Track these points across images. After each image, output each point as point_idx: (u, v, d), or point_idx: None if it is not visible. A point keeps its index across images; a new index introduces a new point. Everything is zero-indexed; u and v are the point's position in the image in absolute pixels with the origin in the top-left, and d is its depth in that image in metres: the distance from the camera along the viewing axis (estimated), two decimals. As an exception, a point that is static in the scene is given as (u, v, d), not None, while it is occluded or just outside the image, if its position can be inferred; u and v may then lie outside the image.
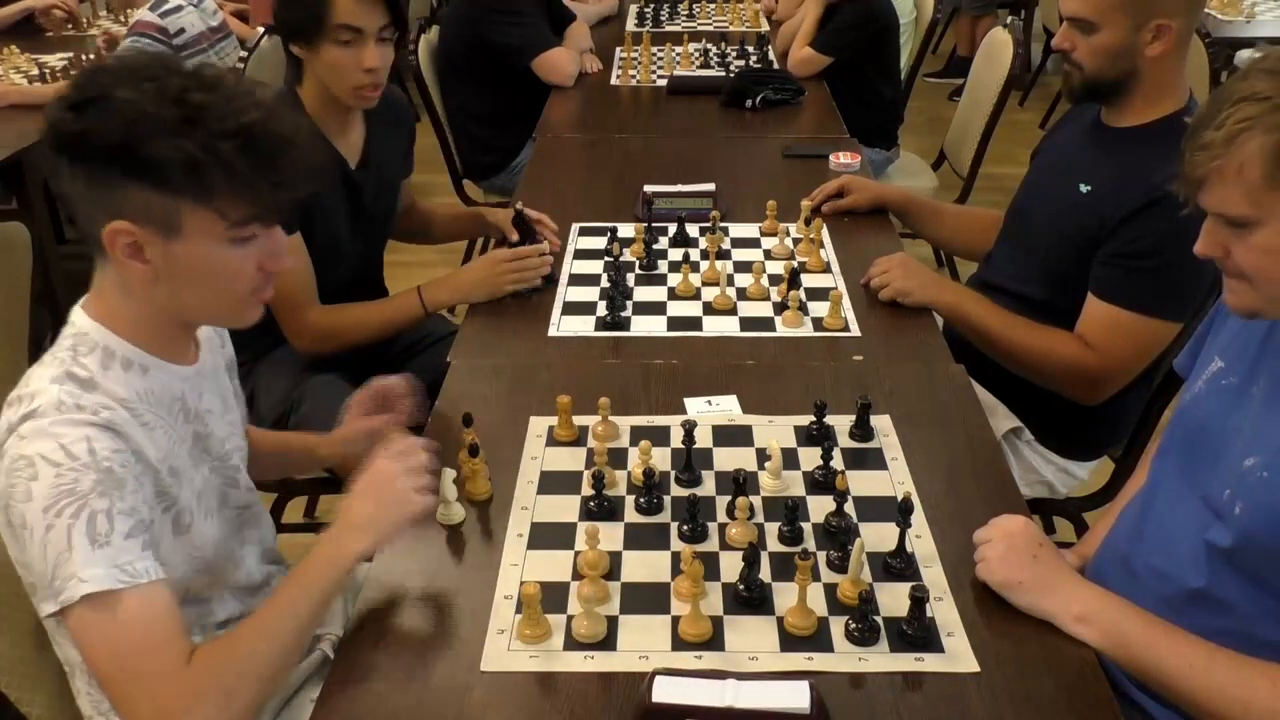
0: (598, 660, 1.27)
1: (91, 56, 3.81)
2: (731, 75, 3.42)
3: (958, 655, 1.27)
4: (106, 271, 1.26)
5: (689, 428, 1.59)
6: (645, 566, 1.42)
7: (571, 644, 1.30)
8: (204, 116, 1.15)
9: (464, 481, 1.55)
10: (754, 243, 2.36)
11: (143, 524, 1.19)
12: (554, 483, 1.58)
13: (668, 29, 4.24)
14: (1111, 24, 1.82)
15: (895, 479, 1.58)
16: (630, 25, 4.30)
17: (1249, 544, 1.26)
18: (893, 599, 1.34)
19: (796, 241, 2.33)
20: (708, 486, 1.57)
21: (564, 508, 1.53)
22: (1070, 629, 1.29)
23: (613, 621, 1.33)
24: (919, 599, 1.28)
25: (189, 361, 1.36)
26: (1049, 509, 2.24)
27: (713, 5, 4.66)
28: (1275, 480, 1.23)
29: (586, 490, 1.55)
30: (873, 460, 1.62)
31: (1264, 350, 1.33)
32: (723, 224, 2.37)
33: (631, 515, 1.52)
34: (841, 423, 1.68)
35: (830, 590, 1.37)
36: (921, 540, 1.45)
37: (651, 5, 4.51)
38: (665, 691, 1.15)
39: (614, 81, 3.62)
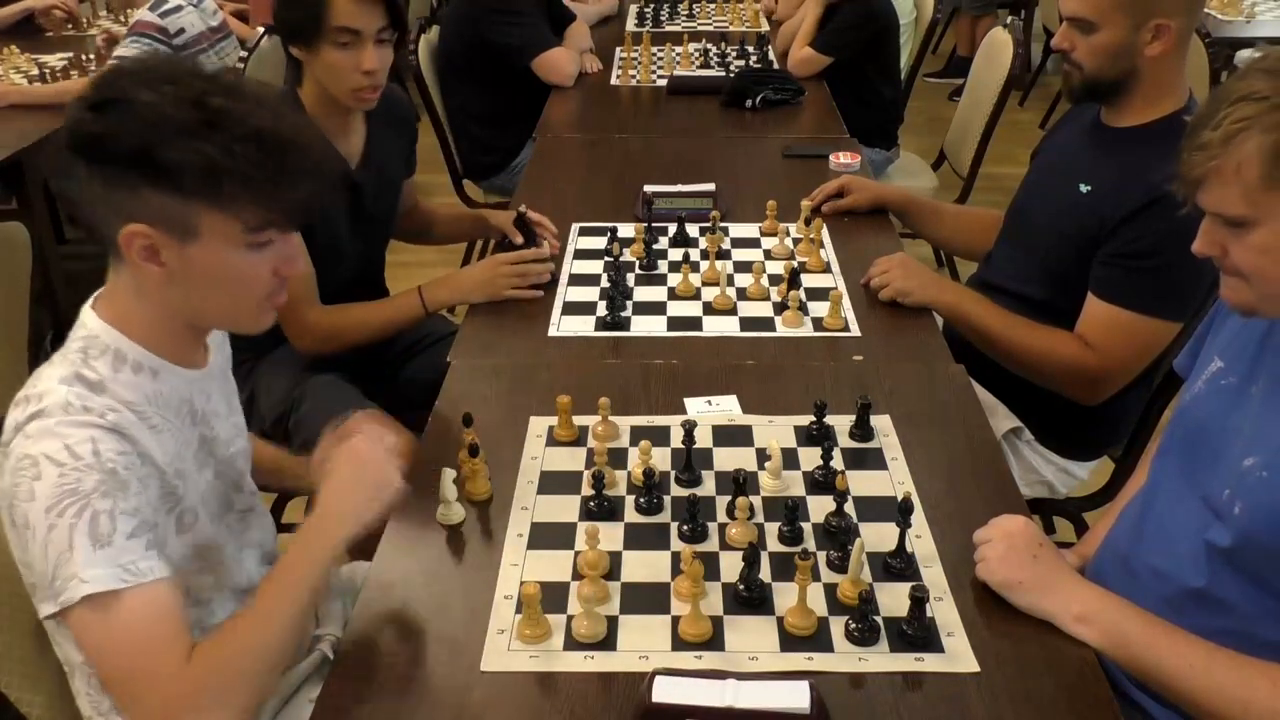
0: (598, 660, 1.28)
1: (91, 56, 3.81)
2: (731, 75, 3.42)
3: (958, 655, 1.27)
4: (120, 274, 1.25)
5: (689, 428, 1.59)
6: (645, 566, 1.42)
7: (571, 644, 1.30)
8: (223, 121, 1.15)
9: (464, 481, 1.55)
10: (754, 243, 2.36)
11: (146, 524, 1.19)
12: (554, 483, 1.58)
13: (668, 29, 4.24)
14: (1111, 24, 1.82)
15: (895, 479, 1.58)
16: (630, 25, 4.30)
17: (1248, 544, 1.26)
18: (893, 599, 1.34)
19: (796, 241, 2.33)
20: (708, 486, 1.57)
21: (564, 508, 1.53)
22: (1070, 629, 1.29)
23: (613, 621, 1.33)
24: (919, 599, 1.28)
25: (199, 365, 1.35)
26: (1049, 509, 2.24)
27: (713, 5, 4.66)
28: (1275, 480, 1.23)
29: (586, 490, 1.55)
30: (873, 460, 1.62)
31: (1263, 350, 1.33)
32: (723, 224, 2.38)
33: (631, 515, 1.52)
34: (841, 423, 1.68)
35: (830, 590, 1.37)
36: (921, 540, 1.45)
37: (651, 5, 4.51)
38: (665, 691, 1.15)
39: (614, 81, 3.62)
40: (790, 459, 1.62)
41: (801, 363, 1.90)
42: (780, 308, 2.05)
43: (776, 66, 3.69)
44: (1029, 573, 1.33)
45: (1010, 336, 1.98)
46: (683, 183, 2.54)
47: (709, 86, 3.38)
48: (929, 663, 1.26)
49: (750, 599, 1.35)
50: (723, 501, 1.53)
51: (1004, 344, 1.99)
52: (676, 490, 1.56)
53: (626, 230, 2.36)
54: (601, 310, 2.06)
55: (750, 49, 3.82)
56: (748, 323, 2.03)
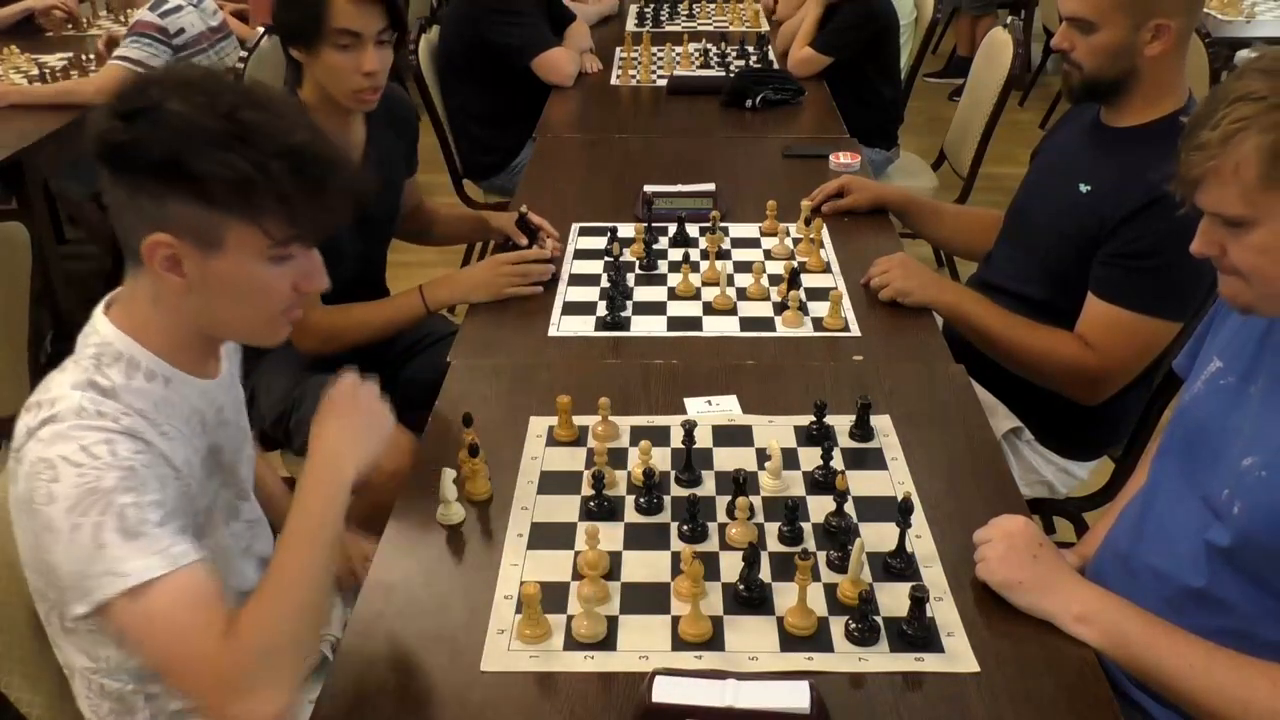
0: (598, 660, 1.28)
1: (91, 56, 3.81)
2: (731, 75, 3.42)
3: (958, 655, 1.27)
4: (139, 281, 1.25)
5: (689, 428, 1.59)
6: (645, 566, 1.42)
7: (571, 644, 1.30)
8: (254, 134, 1.14)
9: (464, 481, 1.55)
10: (754, 243, 2.36)
11: (171, 514, 1.18)
12: (554, 483, 1.58)
13: (668, 29, 4.24)
14: (1111, 24, 1.82)
15: (895, 479, 1.58)
16: (630, 25, 4.30)
17: (1248, 543, 1.26)
18: (893, 599, 1.34)
19: (796, 241, 2.33)
20: (708, 486, 1.57)
21: (564, 508, 1.53)
22: (1070, 629, 1.29)
23: (613, 621, 1.33)
24: (919, 599, 1.28)
25: (211, 375, 1.35)
26: (1049, 509, 2.24)
27: (713, 5, 4.66)
28: (1274, 479, 1.23)
29: (586, 490, 1.55)
30: (873, 460, 1.62)
31: (1262, 350, 1.33)
32: (723, 224, 2.38)
33: (631, 515, 1.52)
34: (841, 423, 1.68)
35: (830, 590, 1.37)
36: (921, 540, 1.45)
37: (651, 5, 4.51)
38: (665, 691, 1.15)
39: (614, 81, 3.62)
40: (790, 459, 1.62)
41: (801, 363, 1.90)
42: (780, 308, 2.05)
43: (776, 66, 3.69)
44: (1029, 573, 1.33)
45: (1010, 336, 1.98)
46: (683, 183, 2.54)
47: (709, 86, 3.38)
48: (929, 663, 1.26)
49: (750, 599, 1.35)
50: (723, 501, 1.53)
51: (1004, 344, 1.99)
52: (676, 490, 1.56)
53: (626, 230, 2.36)
54: (601, 310, 2.06)
55: (750, 49, 3.82)
56: (748, 323, 2.03)
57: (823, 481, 1.56)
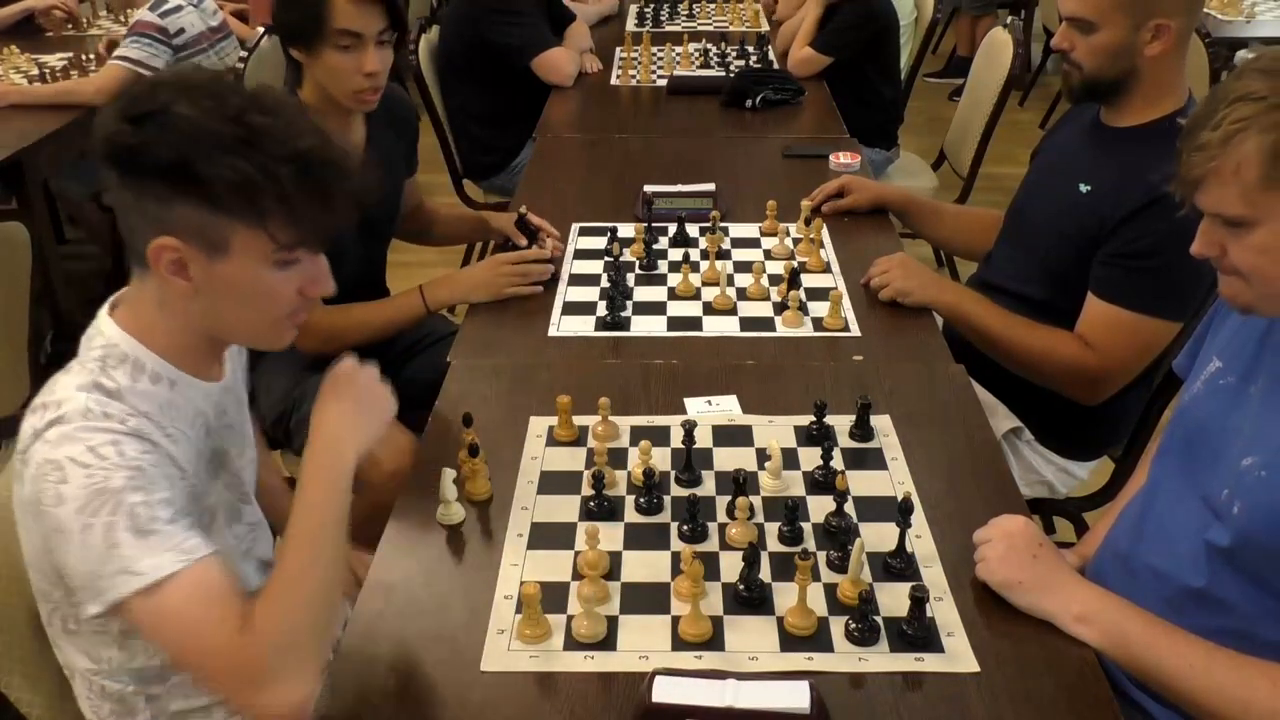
0: (598, 660, 1.28)
1: (91, 56, 3.81)
2: (731, 75, 3.42)
3: (958, 655, 1.27)
4: (145, 283, 1.24)
5: (689, 428, 1.59)
6: (645, 566, 1.42)
7: (571, 644, 1.30)
8: (261, 139, 1.14)
9: (464, 481, 1.55)
10: (754, 243, 2.36)
11: (182, 510, 1.18)
12: (554, 483, 1.58)
13: (668, 29, 4.24)
14: (1110, 24, 1.82)
15: (895, 479, 1.58)
16: (630, 25, 4.30)
17: (1247, 543, 1.26)
18: (893, 599, 1.34)
19: (796, 241, 2.33)
20: (708, 486, 1.57)
21: (564, 508, 1.53)
22: (1070, 629, 1.29)
23: (613, 621, 1.33)
24: (919, 599, 1.28)
25: (215, 378, 1.35)
26: (1049, 509, 2.24)
27: (713, 5, 4.66)
28: (1273, 479, 1.23)
29: (586, 490, 1.55)
30: (873, 460, 1.62)
31: (1261, 350, 1.33)
32: (723, 224, 2.38)
33: (631, 515, 1.52)
34: (841, 423, 1.68)
35: (830, 590, 1.37)
36: (921, 540, 1.45)
37: (651, 5, 4.51)
38: (665, 691, 1.15)
39: (614, 81, 3.62)
40: (790, 459, 1.62)
41: (801, 363, 1.90)
42: (780, 308, 2.05)
43: (776, 66, 3.69)
44: (1029, 573, 1.33)
45: (1010, 336, 1.98)
46: (683, 183, 2.54)
47: (709, 86, 3.38)
48: (929, 663, 1.26)
49: (750, 599, 1.35)
50: (723, 501, 1.53)
51: (1004, 344, 1.99)
52: (676, 490, 1.56)
53: (626, 230, 2.36)
54: (601, 310, 2.06)
55: (750, 49, 3.82)
56: (748, 323, 2.03)
57: (823, 481, 1.56)
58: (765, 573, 1.40)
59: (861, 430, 1.67)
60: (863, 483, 1.56)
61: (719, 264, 2.17)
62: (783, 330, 2.00)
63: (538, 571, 1.41)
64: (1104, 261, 1.88)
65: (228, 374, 1.39)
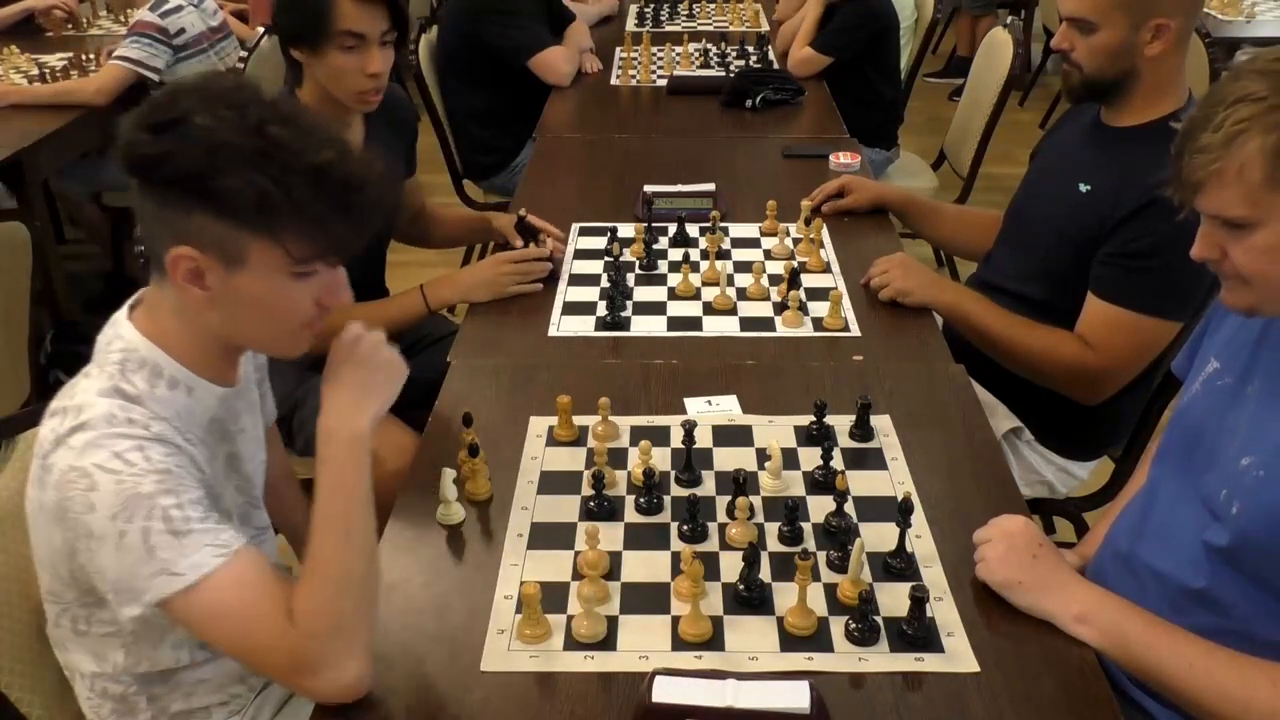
0: (598, 660, 1.28)
1: (91, 56, 3.81)
2: (731, 75, 3.42)
3: (958, 655, 1.27)
4: (163, 289, 1.24)
5: (689, 428, 1.59)
6: (645, 566, 1.42)
7: (571, 644, 1.30)
8: (280, 151, 1.14)
9: (464, 481, 1.55)
10: (754, 243, 2.36)
11: (210, 508, 1.19)
12: (554, 483, 1.58)
13: (668, 29, 4.24)
14: (1110, 24, 1.82)
15: (895, 479, 1.58)
16: (630, 25, 4.30)
17: (1246, 543, 1.26)
18: (893, 599, 1.34)
19: (796, 241, 2.33)
20: (708, 486, 1.57)
21: (564, 508, 1.53)
22: (1070, 629, 1.29)
23: (613, 621, 1.33)
24: (919, 599, 1.28)
25: (231, 383, 1.35)
26: (1049, 509, 2.24)
27: (713, 5, 4.66)
28: (1271, 479, 1.23)
29: (586, 490, 1.55)
30: (873, 460, 1.62)
31: (1258, 350, 1.33)
32: (723, 224, 2.37)
33: (631, 515, 1.52)
34: (841, 423, 1.68)
35: (830, 590, 1.37)
36: (921, 540, 1.45)
37: (651, 5, 4.51)
38: (665, 691, 1.15)
39: (614, 81, 3.62)
40: (790, 459, 1.62)
41: (801, 363, 1.90)
42: (780, 308, 2.05)
43: (776, 66, 3.69)
44: (1029, 573, 1.33)
45: (1010, 336, 1.98)
46: (683, 183, 2.54)
47: (709, 86, 3.38)
48: (929, 663, 1.26)
49: (750, 599, 1.35)
50: (723, 501, 1.53)
51: (1004, 344, 1.99)
52: (676, 490, 1.56)
53: (626, 230, 2.36)
54: (601, 310, 2.06)
55: (750, 49, 3.82)
56: (748, 323, 2.03)
57: (823, 481, 1.56)
58: (765, 573, 1.40)
59: (861, 430, 1.67)
60: (863, 483, 1.56)
61: (719, 264, 2.17)
62: (783, 330, 2.00)
63: (538, 571, 1.41)
64: (1104, 261, 1.88)
65: (242, 376, 1.39)
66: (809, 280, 2.16)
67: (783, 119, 3.22)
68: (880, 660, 1.27)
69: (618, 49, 3.86)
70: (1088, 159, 1.98)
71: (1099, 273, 1.89)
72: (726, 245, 2.33)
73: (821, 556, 1.42)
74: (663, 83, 3.51)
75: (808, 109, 3.31)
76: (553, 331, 2.01)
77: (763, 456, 1.60)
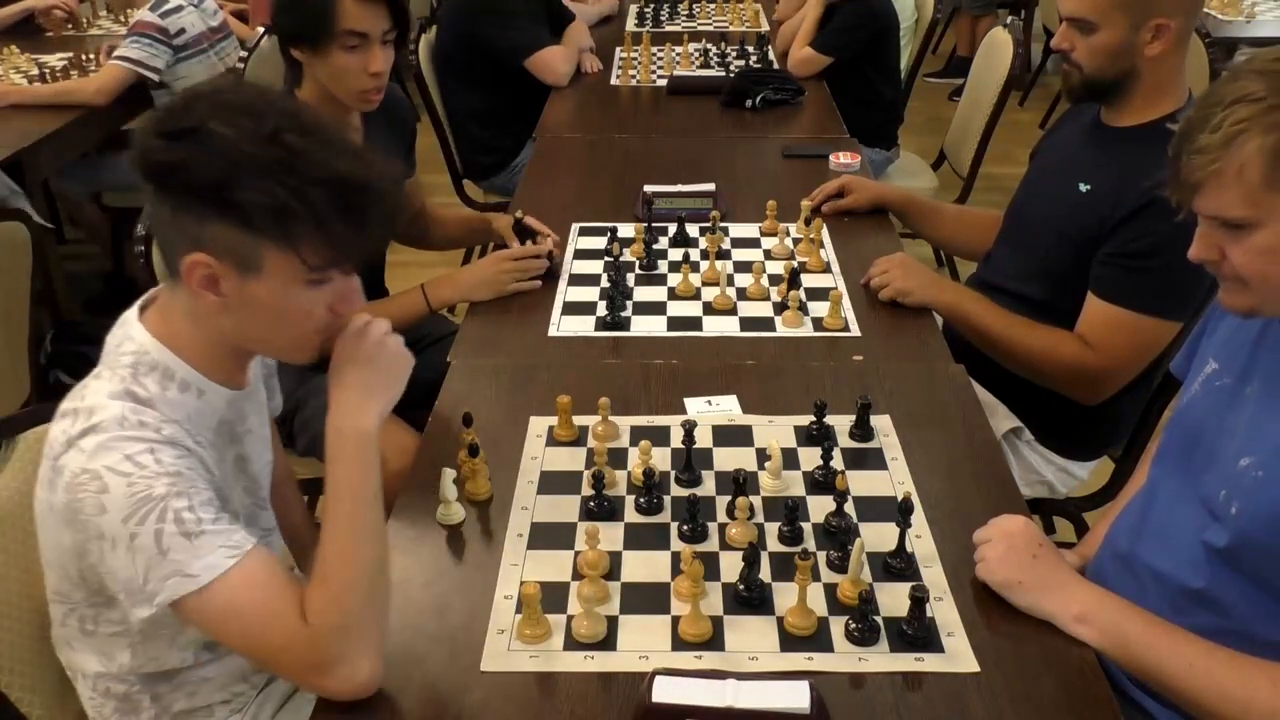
0: (598, 660, 1.28)
1: (91, 56, 3.81)
2: (731, 75, 3.42)
3: (958, 655, 1.27)
4: (176, 293, 1.24)
5: (689, 428, 1.59)
6: (645, 566, 1.42)
7: (571, 644, 1.30)
8: (298, 161, 1.13)
9: (464, 481, 1.55)
10: (754, 243, 2.36)
11: (221, 510, 1.19)
12: (554, 483, 1.58)
13: (668, 29, 4.24)
14: (1110, 24, 1.82)
15: (895, 479, 1.58)
16: (630, 25, 4.30)
17: (1246, 544, 1.26)
18: (893, 599, 1.34)
19: (796, 241, 2.33)
20: (708, 486, 1.57)
21: (564, 508, 1.53)
22: (1070, 629, 1.29)
23: (613, 621, 1.33)
24: (919, 599, 1.28)
25: (240, 385, 1.35)
26: (1049, 509, 2.24)
27: (713, 5, 4.66)
28: (1270, 479, 1.23)
29: (586, 490, 1.55)
30: (873, 460, 1.62)
31: (1257, 351, 1.33)
32: (723, 224, 2.37)
33: (631, 515, 1.52)
34: (841, 423, 1.68)
35: (830, 590, 1.37)
36: (921, 540, 1.45)
37: (651, 5, 4.51)
38: (665, 691, 1.15)
39: (614, 81, 3.62)
40: (790, 459, 1.62)
41: (801, 363, 1.90)
42: (780, 308, 2.05)
43: (776, 66, 3.69)
44: (1029, 573, 1.33)
45: (1010, 336, 1.98)
46: (683, 183, 2.54)
47: (709, 86, 3.38)
48: (929, 663, 1.26)
49: (750, 599, 1.35)
50: (723, 501, 1.53)
51: (1004, 344, 1.99)
52: (676, 490, 1.56)
53: (626, 230, 2.36)
54: (601, 310, 2.06)
55: (750, 49, 3.82)
56: (748, 323, 2.03)
57: (823, 481, 1.56)
58: (765, 573, 1.40)
59: (861, 430, 1.67)
60: (863, 483, 1.56)
61: (719, 264, 2.17)
62: (783, 330, 2.00)
63: (538, 571, 1.41)
64: (1104, 261, 1.88)
65: (251, 378, 1.39)
66: (809, 280, 2.16)
67: (783, 119, 3.22)
68: (880, 660, 1.27)
69: (618, 49, 3.86)
70: (1088, 159, 1.98)
71: (1099, 273, 1.89)
72: (726, 245, 2.33)
73: (821, 556, 1.42)
74: (663, 83, 3.51)
75: (808, 109, 3.31)
76: (553, 331, 2.01)
77: (763, 456, 1.60)
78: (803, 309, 2.04)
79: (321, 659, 1.16)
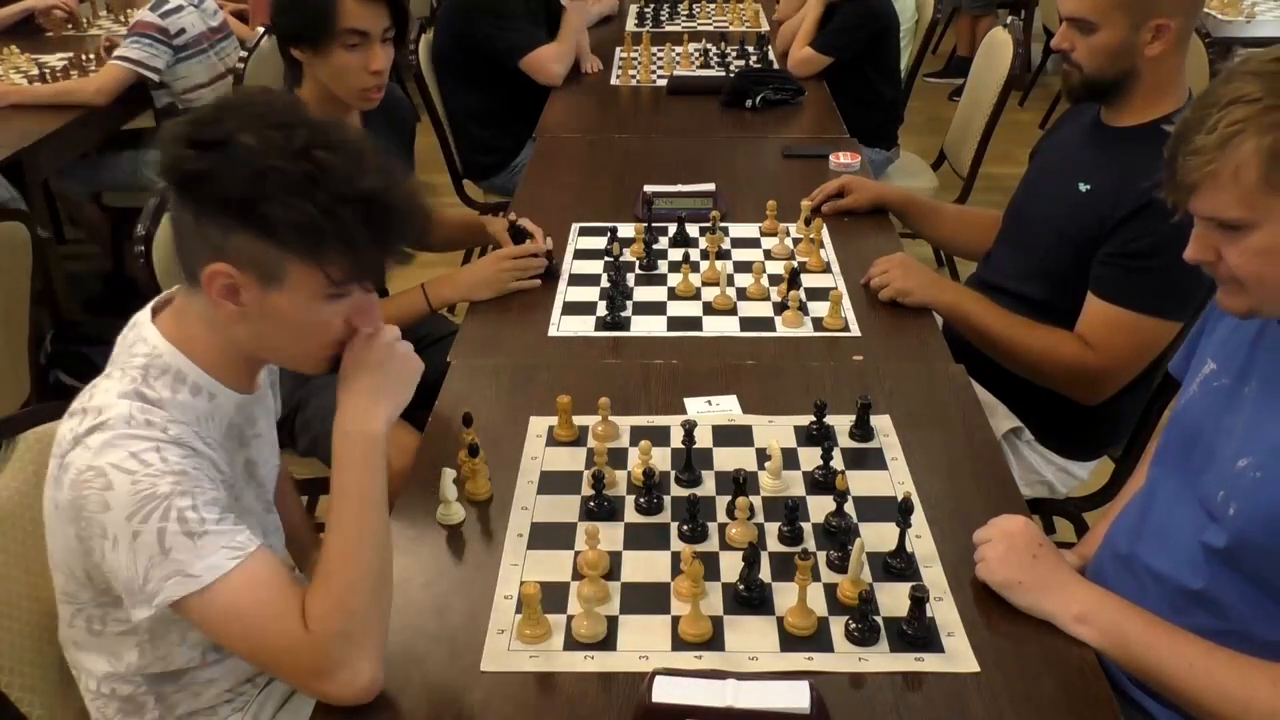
0: (598, 660, 1.28)
1: (91, 56, 3.81)
2: (731, 75, 3.42)
3: (958, 655, 1.27)
4: (193, 299, 1.24)
5: (689, 428, 1.59)
6: (645, 566, 1.42)
7: (571, 644, 1.30)
8: (326, 177, 1.13)
9: (464, 481, 1.55)
10: (754, 243, 2.36)
11: (226, 509, 1.19)
12: (554, 483, 1.58)
13: (668, 29, 4.24)
14: (1110, 24, 1.82)
15: (895, 479, 1.58)
16: (630, 25, 4.30)
17: (1244, 544, 1.26)
18: (893, 599, 1.34)
19: (796, 241, 2.33)
20: (708, 486, 1.57)
21: (564, 508, 1.53)
22: (1070, 629, 1.29)
23: (613, 621, 1.33)
24: (919, 599, 1.28)
25: (250, 390, 1.35)
26: (1049, 509, 2.24)
27: (713, 5, 4.66)
28: (1268, 480, 1.23)
29: (586, 490, 1.55)
30: (873, 460, 1.62)
31: (1255, 351, 1.33)
32: (723, 224, 2.37)
33: (631, 515, 1.52)
34: (841, 423, 1.68)
35: (830, 590, 1.37)
36: (921, 540, 1.45)
37: (651, 5, 4.51)
38: (665, 691, 1.15)
39: (614, 81, 3.62)
40: (790, 459, 1.62)
41: (801, 363, 1.90)
42: (780, 308, 2.05)
43: (776, 66, 3.69)
44: (1029, 573, 1.33)
45: (1010, 336, 1.98)
46: (683, 183, 2.54)
47: (709, 86, 3.38)
48: (929, 663, 1.26)
49: (750, 599, 1.35)
50: (723, 501, 1.53)
51: (1004, 344, 1.99)
52: (676, 490, 1.57)
53: (626, 230, 2.36)
54: (601, 310, 2.06)
55: (750, 49, 3.82)
56: (748, 323, 2.03)
57: (823, 481, 1.56)
58: (765, 573, 1.40)
59: (861, 430, 1.67)
60: (863, 483, 1.56)
61: (719, 264, 2.17)
62: (783, 330, 2.00)
63: (538, 571, 1.41)
64: (1104, 261, 1.88)
65: (260, 382, 1.39)
66: (809, 280, 2.16)
67: (783, 119, 3.22)
68: (880, 660, 1.27)
69: (618, 49, 3.86)
70: (1088, 159, 1.98)
71: (1099, 272, 1.89)
72: (726, 245, 2.33)
73: (821, 556, 1.42)
74: (663, 83, 3.50)
75: (808, 109, 3.31)
76: (553, 331, 2.02)
77: (763, 456, 1.60)
78: (803, 309, 2.04)
79: (323, 662, 1.15)
